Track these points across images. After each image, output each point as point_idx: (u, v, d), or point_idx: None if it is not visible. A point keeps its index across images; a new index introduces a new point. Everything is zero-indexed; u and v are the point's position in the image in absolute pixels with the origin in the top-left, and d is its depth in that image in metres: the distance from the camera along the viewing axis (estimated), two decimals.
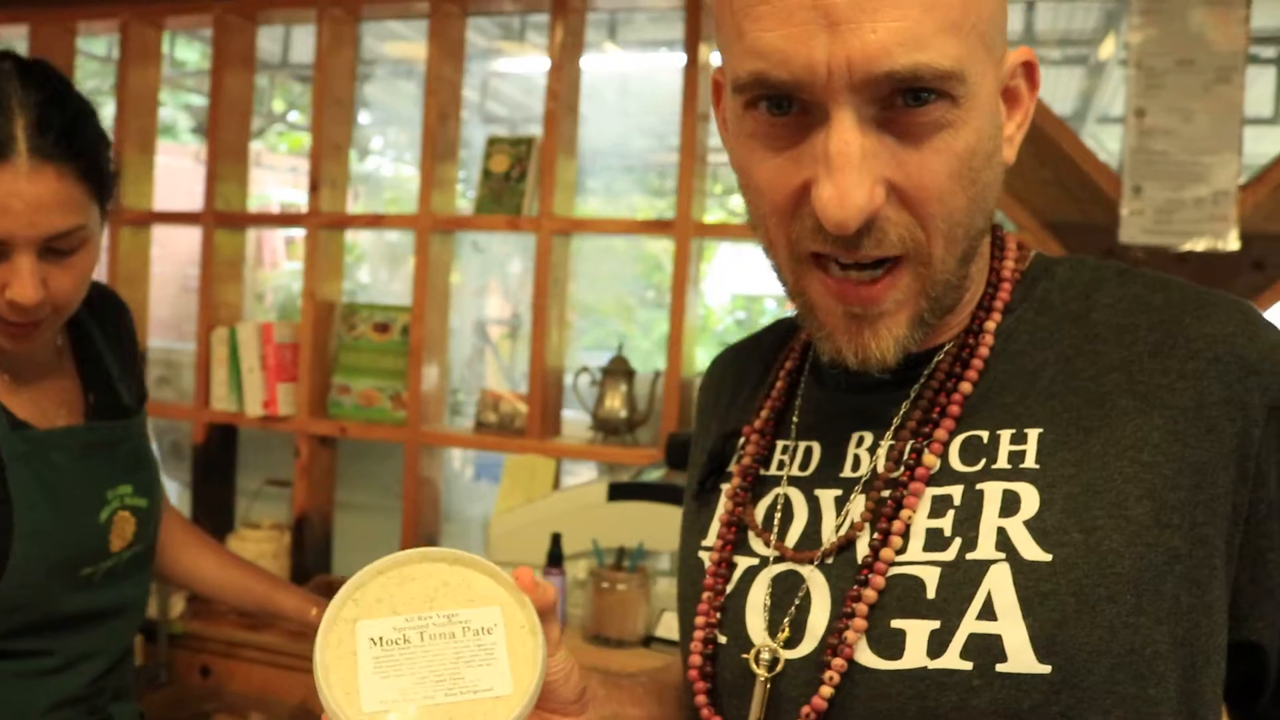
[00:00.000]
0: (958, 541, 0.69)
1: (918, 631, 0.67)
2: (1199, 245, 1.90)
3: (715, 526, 0.82)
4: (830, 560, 0.73)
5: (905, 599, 0.69)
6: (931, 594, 0.68)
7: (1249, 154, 1.95)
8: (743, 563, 0.78)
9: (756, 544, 0.78)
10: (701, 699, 0.76)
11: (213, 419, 2.68)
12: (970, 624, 0.66)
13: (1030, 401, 0.72)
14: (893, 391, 0.76)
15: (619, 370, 2.46)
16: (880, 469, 0.74)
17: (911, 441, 0.73)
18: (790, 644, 0.72)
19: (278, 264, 6.49)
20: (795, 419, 0.82)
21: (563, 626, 1.57)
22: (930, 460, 0.72)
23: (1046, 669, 0.64)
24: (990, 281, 0.77)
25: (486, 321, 5.47)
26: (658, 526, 1.55)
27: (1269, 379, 0.68)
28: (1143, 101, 1.94)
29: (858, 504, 0.74)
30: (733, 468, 0.84)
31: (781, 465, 0.81)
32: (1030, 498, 0.68)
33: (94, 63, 4.83)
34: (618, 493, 1.59)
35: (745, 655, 0.74)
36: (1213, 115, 1.90)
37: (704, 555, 0.81)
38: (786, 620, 0.73)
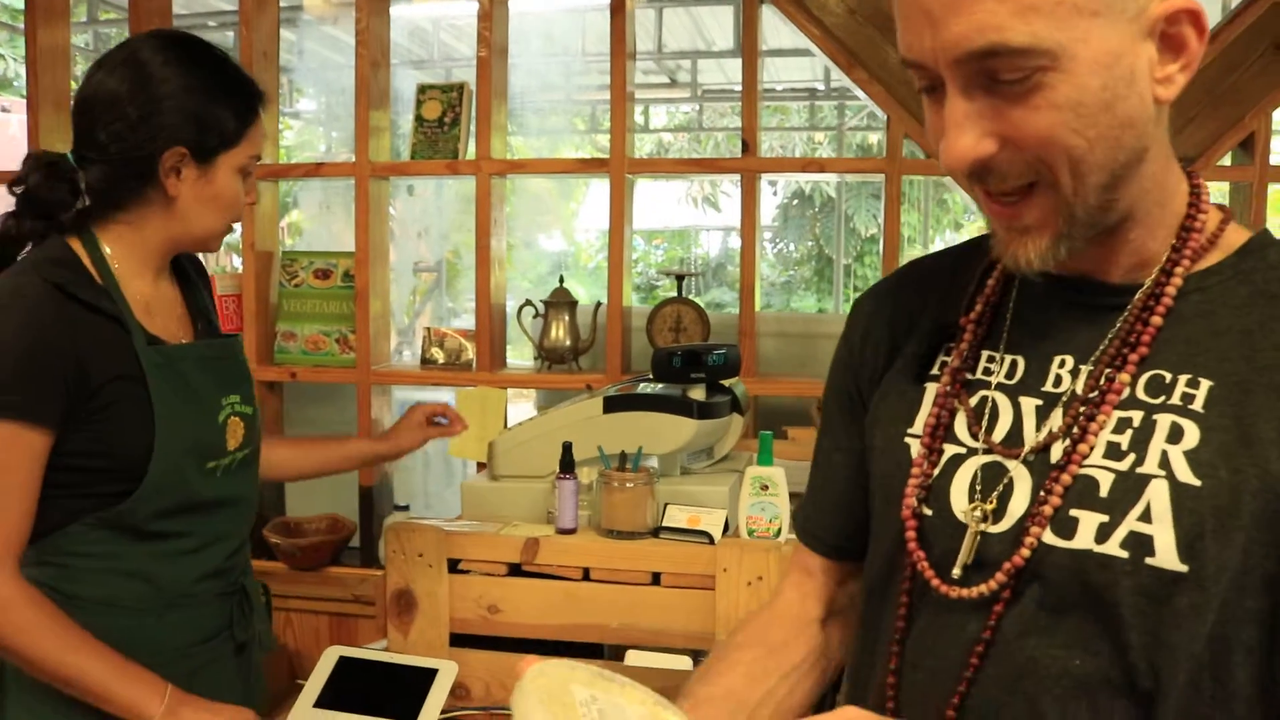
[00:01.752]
0: (1131, 456, 0.84)
1: (1089, 521, 0.84)
2: None
3: (923, 416, 0.96)
4: (1032, 458, 0.88)
5: (1084, 494, 0.85)
6: (1104, 493, 0.84)
7: None
8: (949, 450, 0.93)
9: (963, 435, 0.93)
10: (911, 534, 0.92)
11: None
12: (1131, 523, 0.82)
13: (1210, 356, 0.86)
14: (1098, 320, 0.90)
15: (562, 302, 2.61)
16: (1080, 390, 0.89)
17: (1107, 370, 0.88)
18: (993, 521, 0.88)
19: None
20: (1006, 332, 0.96)
21: (576, 526, 1.72)
22: (1120, 387, 0.87)
23: (1185, 568, 0.80)
24: (1184, 226, 0.90)
25: None
26: (650, 432, 1.72)
27: None
28: None
29: (1057, 415, 0.89)
30: (938, 369, 0.97)
31: (988, 372, 0.94)
32: (1192, 433, 0.83)
33: None
34: (612, 405, 1.75)
35: (963, 511, 0.89)
36: None
37: (910, 441, 0.96)
38: (992, 502, 0.88)
